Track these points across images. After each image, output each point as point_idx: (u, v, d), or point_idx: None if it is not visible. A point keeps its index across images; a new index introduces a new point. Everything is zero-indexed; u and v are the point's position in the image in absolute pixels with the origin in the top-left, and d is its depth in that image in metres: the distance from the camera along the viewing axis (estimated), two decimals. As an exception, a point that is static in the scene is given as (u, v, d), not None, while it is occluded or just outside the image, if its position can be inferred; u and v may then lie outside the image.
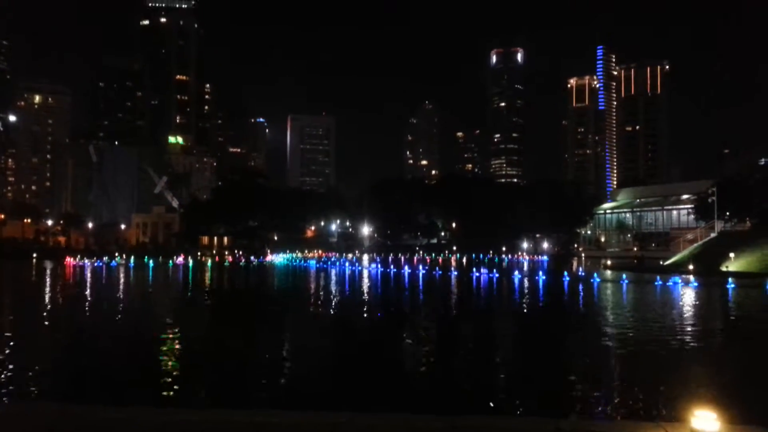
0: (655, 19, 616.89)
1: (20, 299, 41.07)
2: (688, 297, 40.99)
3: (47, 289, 48.60)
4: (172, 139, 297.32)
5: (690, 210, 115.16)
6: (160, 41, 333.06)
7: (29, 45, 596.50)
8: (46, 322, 28.78)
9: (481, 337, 25.57)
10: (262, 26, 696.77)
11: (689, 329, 26.53)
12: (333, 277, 60.69)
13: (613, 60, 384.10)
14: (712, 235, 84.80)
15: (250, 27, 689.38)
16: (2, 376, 16.50)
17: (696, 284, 48.87)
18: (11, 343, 21.83)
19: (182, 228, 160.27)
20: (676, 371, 18.13)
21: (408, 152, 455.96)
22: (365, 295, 43.91)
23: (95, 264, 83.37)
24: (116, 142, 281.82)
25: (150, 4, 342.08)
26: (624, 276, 55.31)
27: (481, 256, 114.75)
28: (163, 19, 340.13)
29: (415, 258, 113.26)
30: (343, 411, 12.31)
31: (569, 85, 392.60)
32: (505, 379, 17.64)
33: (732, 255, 66.96)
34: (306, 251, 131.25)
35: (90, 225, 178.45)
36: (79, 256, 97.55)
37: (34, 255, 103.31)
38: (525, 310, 34.90)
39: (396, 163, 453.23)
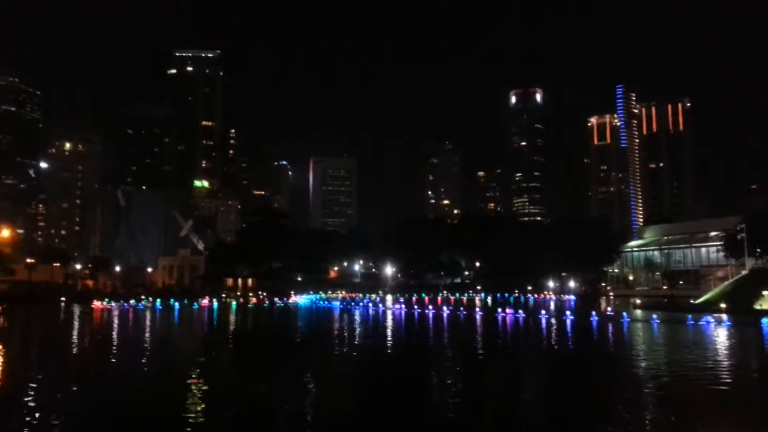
0: (675, 56, 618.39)
1: (54, 345, 41.51)
2: (723, 337, 39.93)
3: (79, 334, 49.15)
4: (197, 183, 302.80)
5: (719, 247, 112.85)
6: (186, 89, 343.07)
7: (60, 94, 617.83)
8: (83, 368, 29.04)
9: (530, 384, 25.19)
10: (284, 72, 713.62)
11: (730, 371, 25.81)
12: (357, 319, 60.42)
13: (634, 98, 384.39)
14: (744, 272, 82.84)
15: (272, 73, 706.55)
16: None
17: (729, 323, 47.64)
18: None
19: (207, 270, 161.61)
20: (720, 415, 17.67)
21: (429, 192, 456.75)
22: (399, 338, 43.55)
23: (123, 307, 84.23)
24: (144, 187, 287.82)
25: (177, 54, 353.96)
26: (654, 316, 54.19)
27: (506, 295, 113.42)
28: (189, 68, 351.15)
29: (439, 298, 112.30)
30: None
31: (590, 124, 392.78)
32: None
33: (765, 293, 65.25)
34: (330, 292, 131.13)
35: (117, 268, 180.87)
36: (106, 300, 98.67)
37: (62, 299, 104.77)
38: (562, 355, 34.14)
39: (418, 202, 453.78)
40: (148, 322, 58.78)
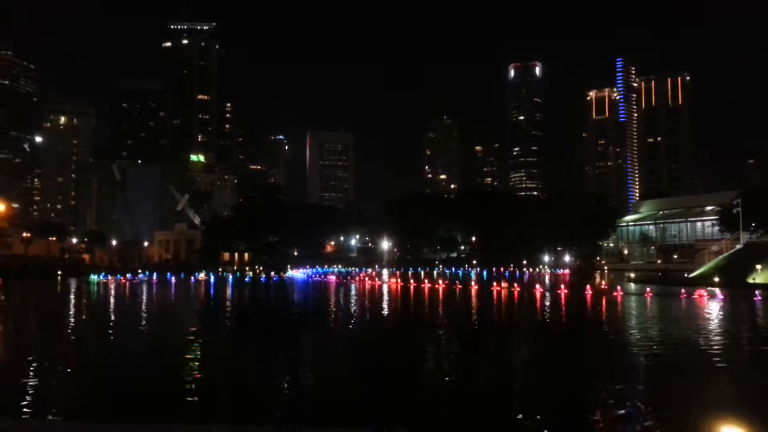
0: (676, 30, 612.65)
1: (54, 318, 41.60)
2: (714, 311, 40.19)
3: (78, 307, 49.28)
4: (193, 158, 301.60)
5: (714, 221, 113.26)
6: (182, 62, 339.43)
7: (54, 68, 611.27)
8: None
9: (516, 357, 25.33)
10: (281, 45, 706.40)
11: (722, 344, 25.98)
12: (354, 293, 60.67)
13: (633, 72, 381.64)
14: (738, 246, 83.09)
15: (269, 46, 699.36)
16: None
17: (722, 297, 47.93)
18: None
19: (204, 244, 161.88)
20: (709, 388, 17.79)
21: (427, 166, 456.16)
22: (394, 311, 43.77)
23: (119, 280, 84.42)
24: (139, 161, 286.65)
25: (172, 27, 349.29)
26: (648, 289, 54.48)
27: (502, 269, 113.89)
28: (184, 41, 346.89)
29: (435, 272, 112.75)
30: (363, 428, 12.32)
31: (588, 98, 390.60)
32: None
33: (759, 267, 65.58)
34: (326, 266, 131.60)
35: (114, 242, 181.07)
36: (102, 273, 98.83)
37: (59, 273, 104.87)
38: (553, 328, 34.36)
39: (415, 177, 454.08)
40: (145, 296, 58.96)
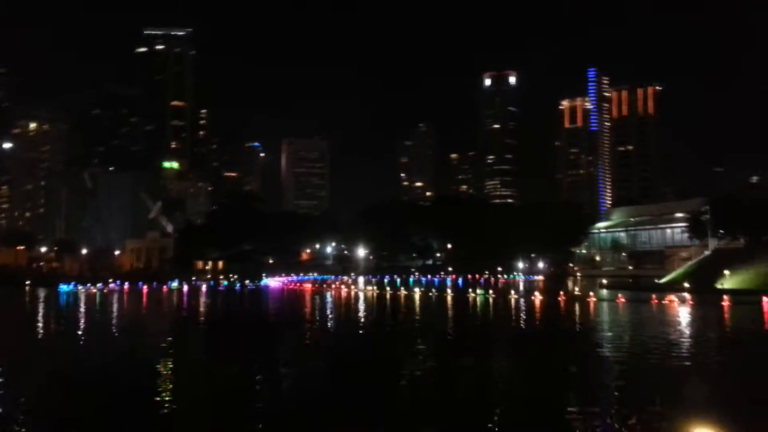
0: (648, 41, 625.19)
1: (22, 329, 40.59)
2: (685, 315, 40.89)
3: (46, 318, 48.13)
4: (166, 164, 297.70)
5: (684, 228, 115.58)
6: (156, 68, 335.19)
7: (25, 73, 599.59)
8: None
9: (490, 362, 25.41)
10: (257, 52, 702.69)
11: (691, 348, 26.43)
12: (329, 301, 60.32)
13: (605, 82, 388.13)
14: (707, 253, 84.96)
15: (245, 53, 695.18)
16: None
17: (692, 302, 48.82)
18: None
19: (176, 253, 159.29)
20: (681, 390, 18.05)
21: (402, 174, 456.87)
22: (370, 319, 43.60)
23: (106, 290, 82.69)
24: (111, 168, 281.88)
25: (147, 32, 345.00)
26: (620, 295, 55.24)
27: (477, 276, 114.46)
28: (159, 47, 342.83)
29: (411, 279, 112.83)
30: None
31: (561, 107, 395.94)
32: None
33: (727, 272, 67.05)
34: (301, 274, 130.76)
35: (84, 251, 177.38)
36: (74, 283, 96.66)
37: (27, 282, 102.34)
38: (525, 334, 34.60)
39: (391, 184, 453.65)
40: (115, 306, 57.85)
